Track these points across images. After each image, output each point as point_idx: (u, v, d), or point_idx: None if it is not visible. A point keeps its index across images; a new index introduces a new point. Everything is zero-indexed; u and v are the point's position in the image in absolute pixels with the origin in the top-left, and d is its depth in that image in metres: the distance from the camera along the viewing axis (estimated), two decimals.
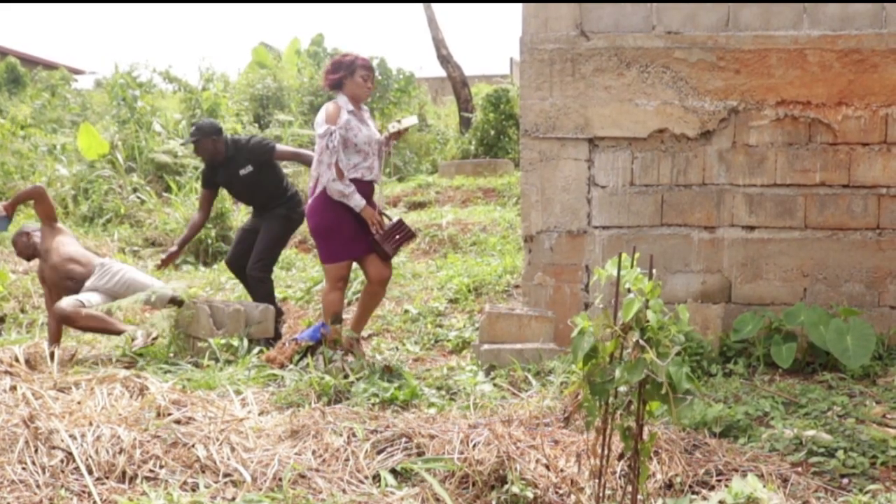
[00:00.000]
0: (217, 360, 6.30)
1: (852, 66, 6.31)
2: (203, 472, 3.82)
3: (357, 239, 6.26)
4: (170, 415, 4.46)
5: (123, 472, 3.77)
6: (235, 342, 6.54)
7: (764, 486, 3.50)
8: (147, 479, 3.75)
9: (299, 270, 10.12)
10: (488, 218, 11.77)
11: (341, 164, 6.07)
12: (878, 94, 6.31)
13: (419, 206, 13.60)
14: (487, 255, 10.02)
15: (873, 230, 6.38)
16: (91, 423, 4.12)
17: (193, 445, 3.98)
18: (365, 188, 6.26)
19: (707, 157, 6.46)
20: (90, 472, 3.76)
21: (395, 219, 6.46)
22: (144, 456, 3.88)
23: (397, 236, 6.35)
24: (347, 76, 6.23)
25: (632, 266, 2.97)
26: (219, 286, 9.51)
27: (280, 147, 7.81)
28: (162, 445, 3.98)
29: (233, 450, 4.00)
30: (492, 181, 14.37)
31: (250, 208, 8.27)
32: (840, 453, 4.12)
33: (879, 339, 6.10)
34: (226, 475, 3.80)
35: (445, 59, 19.44)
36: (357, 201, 6.11)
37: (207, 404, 4.70)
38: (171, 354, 6.60)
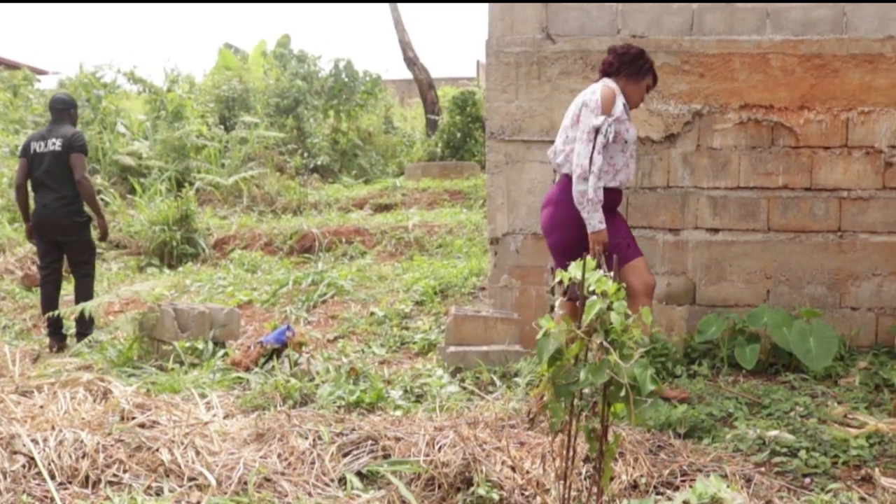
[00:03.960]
0: (182, 363, 6.27)
1: (814, 70, 6.39)
2: (167, 476, 3.80)
3: (617, 244, 5.27)
4: (134, 418, 4.43)
5: (86, 477, 3.74)
6: (200, 345, 6.51)
7: (727, 486, 3.53)
8: (111, 483, 3.72)
9: (265, 273, 10.07)
10: (454, 220, 11.79)
11: (597, 164, 5.11)
12: (839, 99, 6.39)
13: (385, 208, 13.61)
14: (453, 258, 10.04)
15: (835, 233, 6.45)
16: (54, 428, 4.08)
17: (158, 449, 3.95)
18: (617, 199, 5.44)
19: (671, 159, 6.50)
20: (52, 478, 3.72)
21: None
22: (108, 460, 3.85)
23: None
24: (636, 75, 5.38)
25: (595, 268, 2.98)
26: (184, 289, 9.45)
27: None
28: (126, 450, 3.95)
29: (197, 453, 3.97)
30: (458, 183, 14.42)
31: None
32: (802, 453, 4.17)
33: (841, 341, 6.16)
34: (190, 479, 3.78)
35: (412, 62, 19.46)
36: (596, 220, 5.09)
37: (172, 408, 4.67)
38: (136, 357, 6.55)
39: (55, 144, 7.59)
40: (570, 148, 5.29)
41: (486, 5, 6.66)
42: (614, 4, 6.49)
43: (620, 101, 5.26)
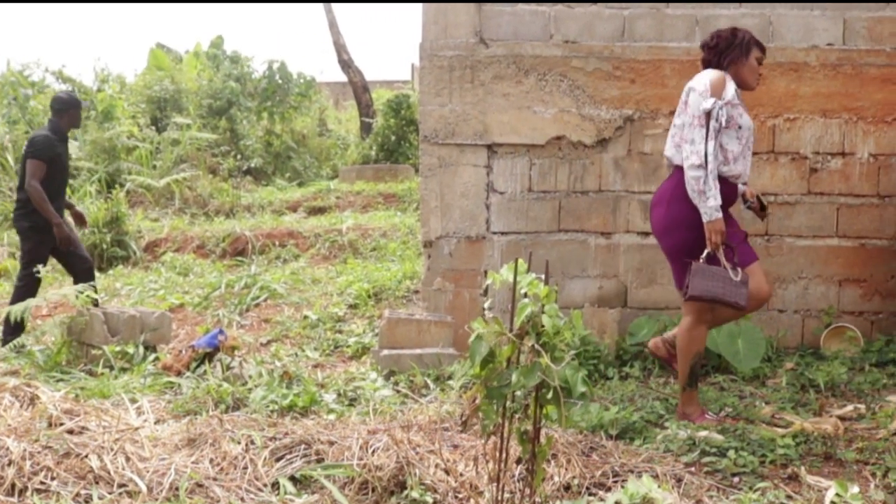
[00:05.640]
0: (112, 367, 6.18)
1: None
2: (97, 482, 3.74)
3: (736, 245, 4.89)
4: (62, 424, 4.34)
5: (13, 485, 3.66)
6: (131, 349, 6.42)
7: (658, 486, 3.57)
8: (38, 491, 3.65)
9: (197, 276, 9.97)
10: (388, 223, 11.79)
11: (711, 149, 4.70)
12: (766, 106, 6.52)
13: (319, 211, 13.56)
14: (387, 261, 10.03)
15: (762, 236, 6.57)
16: None
17: (87, 456, 3.89)
18: (734, 193, 4.99)
19: (603, 164, 6.58)
20: None
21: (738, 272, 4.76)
22: (35, 468, 3.77)
23: (717, 284, 4.71)
24: (739, 57, 4.93)
25: (527, 271, 3.00)
26: (114, 292, 9.31)
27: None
28: (54, 456, 3.88)
29: (128, 459, 3.92)
30: (392, 186, 14.43)
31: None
32: (731, 453, 4.23)
33: (768, 342, 6.29)
34: (120, 486, 3.72)
35: (346, 64, 19.41)
36: (712, 207, 4.67)
37: (101, 413, 4.59)
38: (64, 362, 6.44)
39: (25, 148, 7.50)
40: (679, 137, 4.90)
41: (420, 9, 6.68)
42: (547, 10, 6.55)
43: (732, 86, 4.85)
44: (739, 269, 4.74)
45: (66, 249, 7.39)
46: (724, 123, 4.71)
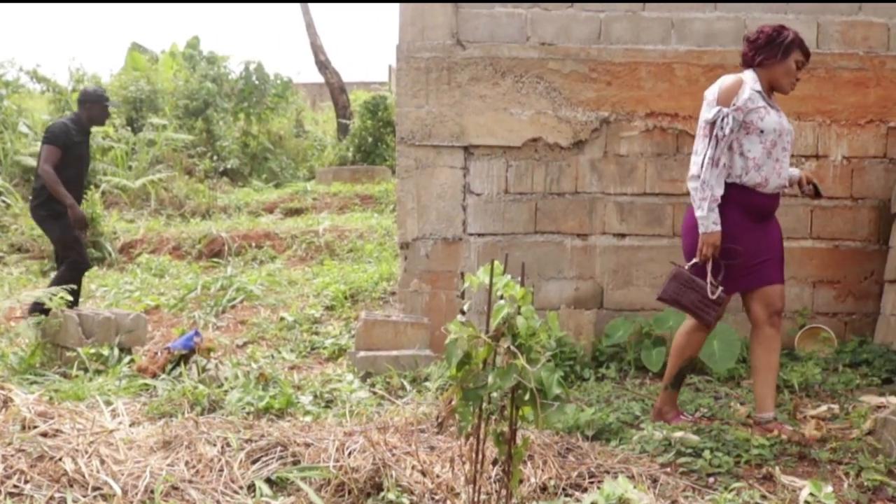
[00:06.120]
0: (86, 370, 6.14)
1: (716, 80, 6.53)
2: (71, 486, 3.71)
3: (757, 264, 4.73)
4: (36, 427, 4.31)
5: None
6: (105, 351, 6.38)
7: (634, 487, 3.58)
8: (11, 495, 3.62)
9: (172, 277, 9.93)
10: (365, 225, 11.78)
11: (711, 158, 4.58)
12: None
13: (296, 212, 13.53)
14: (364, 262, 10.02)
15: None
16: None
17: (61, 459, 3.86)
18: (764, 203, 4.73)
19: (580, 166, 6.60)
20: None
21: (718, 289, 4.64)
22: (8, 471, 3.74)
23: (698, 295, 4.65)
24: (774, 57, 4.69)
25: (504, 273, 3.00)
26: (89, 293, 9.25)
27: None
28: (27, 459, 3.85)
29: (102, 462, 3.89)
30: (369, 188, 14.43)
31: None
32: (706, 453, 4.24)
33: (743, 343, 6.31)
34: (95, 489, 3.70)
35: (324, 65, 19.38)
36: (706, 219, 4.58)
37: (76, 416, 4.56)
38: (38, 364, 6.39)
39: (42, 135, 7.59)
40: None
41: (397, 10, 6.68)
42: (524, 12, 6.57)
43: (749, 89, 4.64)
44: (720, 289, 4.62)
45: (80, 232, 7.44)
46: (727, 133, 4.54)
